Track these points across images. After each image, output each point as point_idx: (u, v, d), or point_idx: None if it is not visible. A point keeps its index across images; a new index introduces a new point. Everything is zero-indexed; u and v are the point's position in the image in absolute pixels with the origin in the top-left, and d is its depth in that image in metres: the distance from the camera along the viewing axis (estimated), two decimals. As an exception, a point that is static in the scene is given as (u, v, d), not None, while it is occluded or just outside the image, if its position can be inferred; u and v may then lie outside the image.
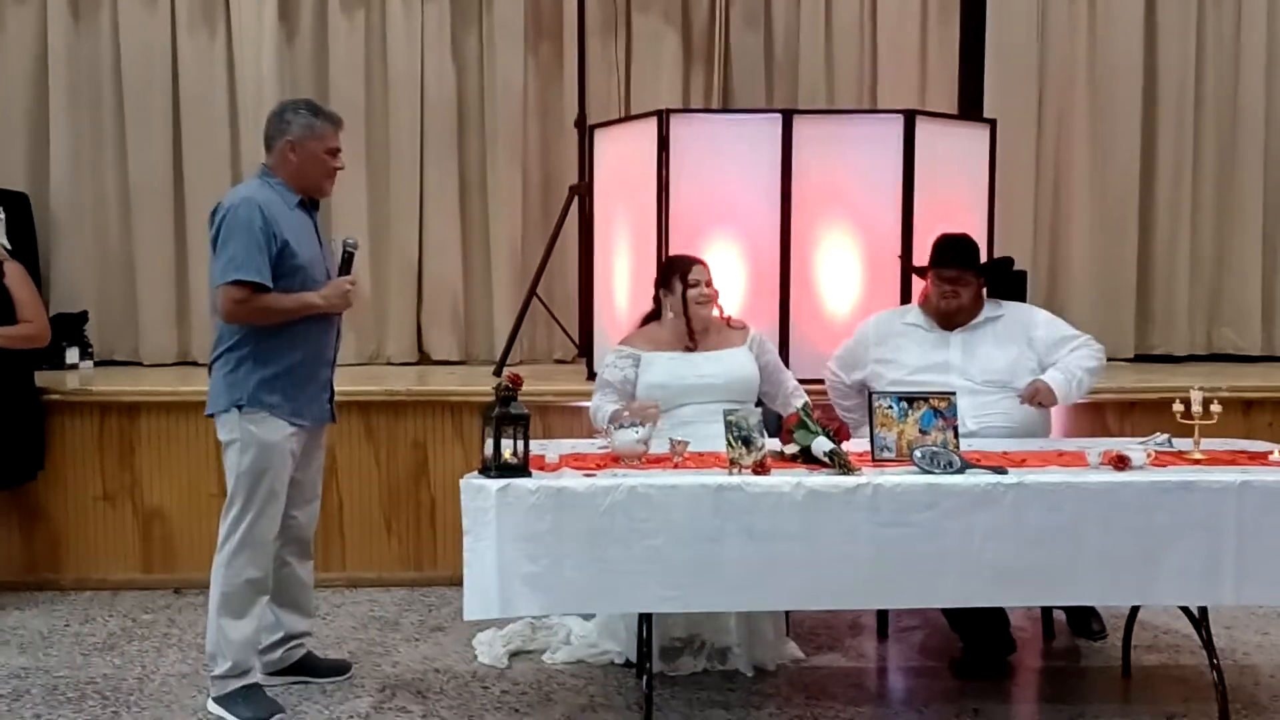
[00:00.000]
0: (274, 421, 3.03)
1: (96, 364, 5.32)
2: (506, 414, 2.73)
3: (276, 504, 3.06)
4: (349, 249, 3.19)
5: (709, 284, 3.55)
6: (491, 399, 2.76)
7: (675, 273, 3.58)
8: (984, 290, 3.61)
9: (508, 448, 2.73)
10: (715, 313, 3.60)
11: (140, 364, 5.49)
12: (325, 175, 3.13)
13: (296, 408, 3.07)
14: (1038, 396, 3.42)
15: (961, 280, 3.53)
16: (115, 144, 5.51)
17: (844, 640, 3.70)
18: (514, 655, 3.52)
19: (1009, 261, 3.96)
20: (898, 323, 3.68)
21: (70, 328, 5.21)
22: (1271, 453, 3.04)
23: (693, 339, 3.54)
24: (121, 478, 4.31)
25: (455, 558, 2.69)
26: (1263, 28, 5.78)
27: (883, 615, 3.80)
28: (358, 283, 3.23)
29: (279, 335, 3.03)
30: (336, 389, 3.26)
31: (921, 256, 3.92)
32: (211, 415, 3.09)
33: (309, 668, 3.32)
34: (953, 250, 3.58)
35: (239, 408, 3.01)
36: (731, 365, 3.52)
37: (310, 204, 3.16)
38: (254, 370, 3.01)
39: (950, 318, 3.56)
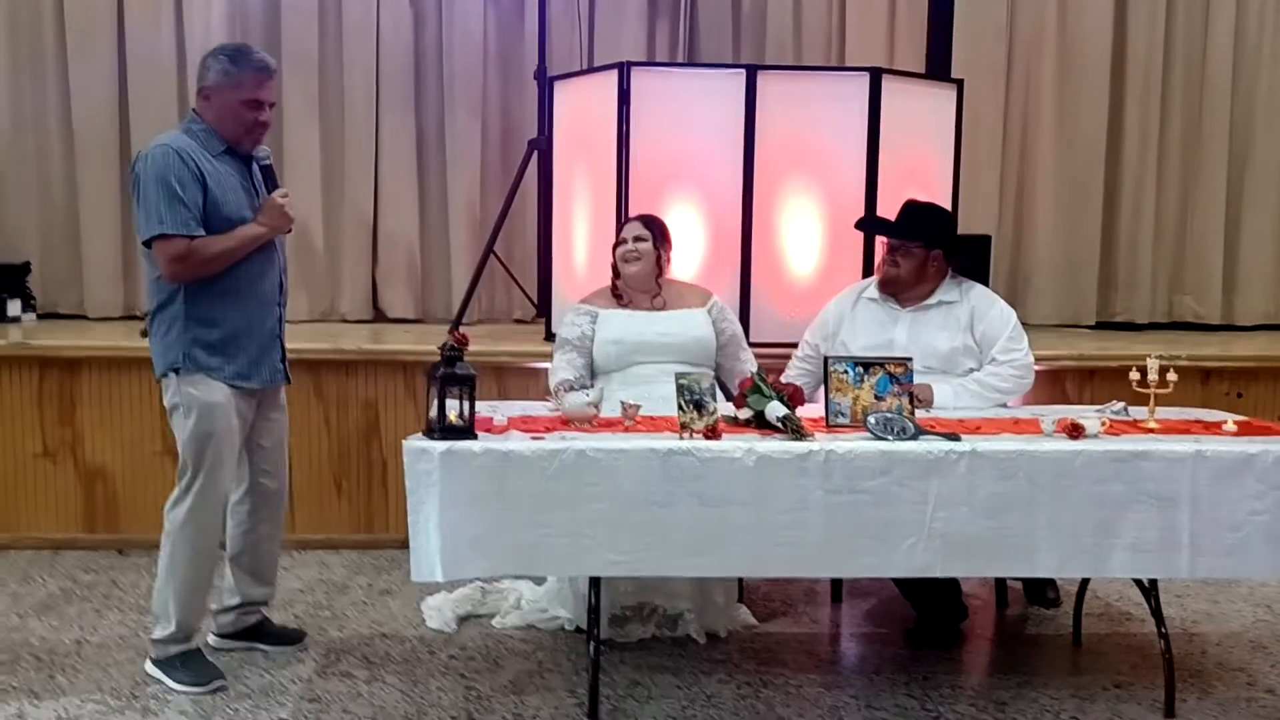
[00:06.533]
0: (213, 384, 2.90)
1: (40, 317, 5.17)
2: (451, 374, 2.65)
3: (224, 468, 2.94)
4: (263, 161, 3.00)
5: (636, 240, 3.48)
6: (436, 359, 2.68)
7: (618, 231, 3.53)
8: (945, 268, 3.48)
9: (453, 409, 2.64)
10: (648, 274, 3.49)
11: (85, 317, 5.35)
12: (243, 128, 2.93)
13: (239, 369, 2.94)
14: (918, 394, 3.14)
15: (902, 250, 3.45)
16: (58, 91, 5.33)
17: (797, 606, 3.68)
18: (463, 620, 3.47)
19: (967, 240, 3.83)
20: (852, 299, 3.58)
21: (12, 279, 5.06)
22: (1225, 422, 3.02)
23: (616, 294, 3.51)
24: (63, 434, 4.19)
25: (406, 520, 2.62)
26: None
27: (836, 581, 3.78)
28: (289, 194, 3.03)
29: (210, 291, 2.89)
30: (287, 347, 3.15)
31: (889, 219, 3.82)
32: (160, 379, 2.96)
33: (262, 635, 3.23)
34: (902, 219, 3.50)
35: (176, 371, 2.89)
36: (689, 325, 3.46)
37: (240, 153, 2.98)
38: (186, 330, 2.88)
39: (893, 288, 3.48)
